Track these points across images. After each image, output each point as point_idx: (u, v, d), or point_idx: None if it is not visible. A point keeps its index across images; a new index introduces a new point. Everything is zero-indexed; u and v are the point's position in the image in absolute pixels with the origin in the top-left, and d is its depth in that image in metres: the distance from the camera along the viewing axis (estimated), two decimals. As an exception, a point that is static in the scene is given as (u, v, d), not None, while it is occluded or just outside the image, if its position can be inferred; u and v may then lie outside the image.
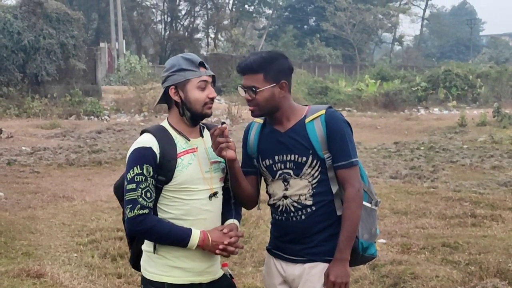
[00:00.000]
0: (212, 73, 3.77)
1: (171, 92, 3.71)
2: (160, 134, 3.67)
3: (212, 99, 3.71)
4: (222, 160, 3.77)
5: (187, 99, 3.67)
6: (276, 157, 3.81)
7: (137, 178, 3.53)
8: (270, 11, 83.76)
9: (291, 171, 3.78)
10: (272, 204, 3.90)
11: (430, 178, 14.09)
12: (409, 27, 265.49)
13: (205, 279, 3.74)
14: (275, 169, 3.83)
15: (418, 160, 16.95)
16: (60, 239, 9.05)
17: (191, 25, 77.18)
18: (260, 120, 3.98)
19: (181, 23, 77.64)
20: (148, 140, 3.61)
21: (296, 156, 3.75)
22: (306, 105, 3.94)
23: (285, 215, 3.82)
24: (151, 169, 3.55)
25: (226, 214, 3.86)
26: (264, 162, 3.88)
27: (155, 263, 3.69)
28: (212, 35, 76.97)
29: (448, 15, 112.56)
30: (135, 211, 3.51)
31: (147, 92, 32.75)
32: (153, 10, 75.59)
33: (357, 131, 24.36)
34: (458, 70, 43.50)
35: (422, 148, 19.59)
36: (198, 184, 3.66)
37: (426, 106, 39.48)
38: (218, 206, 3.79)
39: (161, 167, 3.58)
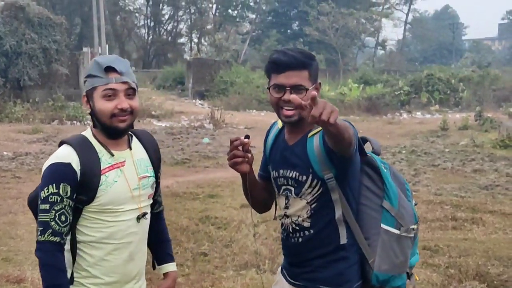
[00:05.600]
0: (127, 80, 3.23)
1: (83, 100, 3.30)
2: (82, 146, 3.23)
3: (123, 110, 3.20)
4: (151, 174, 3.46)
5: (94, 110, 3.24)
6: (281, 171, 3.47)
7: (51, 198, 3.12)
8: (254, 16, 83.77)
9: (292, 189, 3.41)
10: (279, 218, 3.62)
11: (412, 182, 14.14)
12: (392, 32, 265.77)
13: None
14: (279, 183, 3.50)
15: (400, 163, 16.99)
16: (40, 244, 9.02)
17: (174, 30, 77.35)
18: (280, 123, 3.57)
19: (165, 27, 77.80)
20: (67, 155, 3.18)
21: (297, 174, 3.37)
22: None
23: (285, 233, 3.54)
24: (68, 189, 3.13)
25: (160, 249, 3.72)
26: (272, 173, 3.55)
27: None
28: (196, 40, 77.08)
29: (431, 20, 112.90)
30: (46, 236, 3.11)
31: (129, 97, 32.71)
32: (136, 14, 75.70)
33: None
34: (441, 74, 43.67)
35: (404, 151, 19.66)
36: (124, 204, 3.28)
37: (408, 110, 39.59)
38: (145, 227, 3.46)
39: (82, 186, 3.17)
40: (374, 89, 44.18)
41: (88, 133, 3.34)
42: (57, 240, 3.13)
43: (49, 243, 3.12)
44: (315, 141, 3.29)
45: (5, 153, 18.49)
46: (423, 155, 18.70)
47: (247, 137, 3.34)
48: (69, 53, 36.60)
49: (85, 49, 46.08)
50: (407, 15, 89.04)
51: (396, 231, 3.33)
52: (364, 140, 3.50)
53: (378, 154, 3.54)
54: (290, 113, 3.27)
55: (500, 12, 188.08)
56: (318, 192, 3.33)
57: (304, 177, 3.34)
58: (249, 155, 3.37)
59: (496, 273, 7.50)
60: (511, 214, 10.82)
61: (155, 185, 3.52)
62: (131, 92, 3.25)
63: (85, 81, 3.27)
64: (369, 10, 77.55)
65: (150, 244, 3.61)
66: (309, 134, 3.33)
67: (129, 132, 3.41)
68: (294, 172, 3.39)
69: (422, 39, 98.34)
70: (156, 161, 3.53)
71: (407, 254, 3.41)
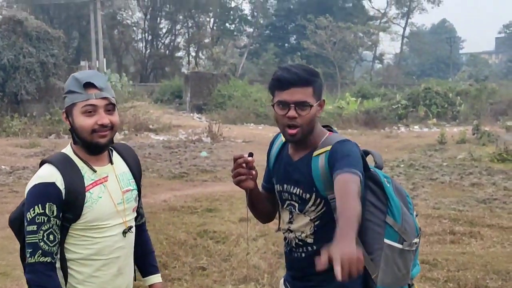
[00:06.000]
0: (107, 95, 3.22)
1: (63, 117, 3.31)
2: (64, 165, 3.22)
3: (104, 125, 3.19)
4: (134, 187, 3.47)
5: (74, 126, 3.24)
6: (285, 186, 3.48)
7: (38, 219, 3.10)
8: (251, 30, 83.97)
9: (296, 205, 3.44)
10: (282, 231, 3.63)
11: (410, 196, 14.09)
12: (389, 45, 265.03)
13: None
14: (283, 197, 3.52)
15: (398, 177, 16.96)
16: (38, 258, 8.99)
17: (172, 43, 77.46)
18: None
19: (162, 41, 77.91)
20: (51, 174, 3.17)
21: (301, 191, 3.39)
22: (330, 129, 3.52)
23: (289, 247, 3.56)
24: (54, 208, 3.12)
25: (144, 261, 3.69)
26: (276, 186, 3.57)
27: None
28: (193, 53, 77.17)
29: (428, 33, 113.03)
30: (36, 257, 3.09)
31: (127, 111, 32.70)
32: (134, 28, 75.76)
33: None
34: (438, 88, 43.68)
35: (402, 165, 19.62)
36: (110, 219, 3.28)
37: (406, 123, 39.54)
38: (131, 240, 3.48)
39: (67, 204, 3.15)
40: (372, 102, 44.15)
41: (68, 150, 3.34)
42: (48, 260, 3.12)
43: (41, 264, 3.11)
44: (320, 161, 3.30)
45: (2, 167, 18.47)
46: (421, 169, 18.67)
47: (250, 154, 3.37)
48: (66, 67, 36.61)
49: (82, 63, 46.25)
50: (404, 29, 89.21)
51: (399, 246, 3.35)
52: (366, 153, 3.50)
53: (380, 168, 3.55)
54: (293, 131, 3.28)
55: (497, 26, 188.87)
56: (322, 211, 3.35)
57: (308, 195, 3.36)
58: (253, 172, 3.39)
59: (495, 287, 7.51)
60: (509, 228, 10.82)
61: (138, 198, 3.53)
62: (111, 108, 3.25)
63: (64, 97, 3.26)
64: (367, 24, 77.85)
65: (134, 256, 3.59)
66: (314, 153, 3.34)
67: (109, 147, 3.40)
68: (298, 189, 3.39)
69: (420, 52, 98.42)
70: (137, 174, 3.53)
71: (409, 267, 3.42)
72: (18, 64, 31.70)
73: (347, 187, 2.96)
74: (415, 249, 3.47)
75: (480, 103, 42.86)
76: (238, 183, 3.40)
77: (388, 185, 3.44)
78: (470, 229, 10.64)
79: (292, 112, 3.25)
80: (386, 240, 3.33)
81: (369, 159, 3.47)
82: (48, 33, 33.74)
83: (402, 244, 3.35)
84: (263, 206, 3.67)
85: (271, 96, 3.39)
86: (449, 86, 46.60)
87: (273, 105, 3.36)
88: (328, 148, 3.29)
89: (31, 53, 32.20)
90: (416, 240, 3.45)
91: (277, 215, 3.72)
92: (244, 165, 3.37)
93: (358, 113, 40.14)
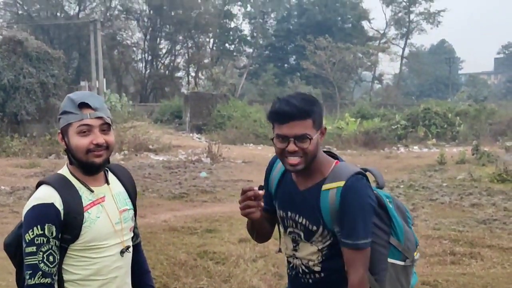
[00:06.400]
0: (102, 115, 3.22)
1: (59, 137, 3.31)
2: (62, 185, 3.21)
3: (99, 145, 3.19)
4: (131, 207, 3.48)
5: (70, 146, 3.24)
6: (289, 213, 3.45)
7: (37, 240, 3.07)
8: (251, 50, 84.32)
9: (301, 234, 3.41)
10: (286, 256, 3.62)
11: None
12: (388, 66, 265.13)
13: None
14: (286, 224, 3.50)
15: (398, 198, 16.83)
16: (38, 279, 8.96)
17: (171, 64, 77.71)
18: None
19: (162, 61, 78.16)
20: (49, 195, 3.15)
21: (307, 222, 3.36)
22: (335, 157, 3.49)
23: (294, 272, 3.53)
24: (54, 229, 3.09)
25: (140, 281, 3.67)
26: (278, 211, 3.54)
27: None
28: (193, 74, 77.37)
29: (427, 54, 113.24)
30: (36, 279, 3.06)
31: (127, 131, 32.71)
32: (134, 48, 75.98)
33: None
34: (437, 108, 43.72)
35: (401, 186, 19.58)
36: (108, 239, 3.27)
37: (405, 144, 39.48)
38: (129, 260, 3.47)
39: (66, 225, 3.13)
40: (371, 123, 44.20)
41: (65, 171, 3.33)
42: (48, 282, 3.10)
43: (41, 286, 3.08)
44: (330, 196, 3.26)
45: (2, 187, 18.44)
46: (421, 190, 18.63)
47: (261, 188, 3.33)
48: (66, 87, 36.60)
49: (82, 83, 46.26)
50: (403, 49, 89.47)
51: (402, 263, 3.40)
52: (365, 170, 3.49)
53: (382, 188, 3.58)
54: (295, 161, 3.25)
55: (495, 47, 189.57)
56: (329, 242, 3.35)
57: (315, 227, 3.35)
58: (262, 203, 3.35)
59: (496, 308, 7.49)
60: (509, 249, 10.79)
61: (134, 218, 3.53)
62: (106, 127, 3.24)
63: (59, 118, 3.25)
64: (366, 45, 78.25)
65: (131, 277, 3.58)
66: (324, 187, 3.29)
67: (105, 167, 3.39)
68: (304, 219, 3.38)
69: (419, 73, 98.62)
70: (133, 194, 3.54)
71: (410, 280, 3.50)
72: (18, 85, 31.70)
73: (356, 283, 3.21)
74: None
75: (479, 123, 42.90)
76: (246, 215, 3.36)
77: (390, 205, 3.46)
78: (470, 249, 10.61)
79: (291, 146, 3.21)
80: (390, 259, 3.38)
81: (370, 178, 3.48)
82: (48, 53, 33.78)
83: (404, 261, 3.41)
84: (263, 227, 3.64)
85: (271, 125, 3.34)
86: (448, 107, 46.70)
87: (272, 139, 3.32)
88: (340, 184, 3.24)
89: (31, 73, 32.20)
90: (417, 257, 3.51)
91: (276, 233, 3.73)
92: (253, 197, 3.32)
93: (357, 134, 40.13)
